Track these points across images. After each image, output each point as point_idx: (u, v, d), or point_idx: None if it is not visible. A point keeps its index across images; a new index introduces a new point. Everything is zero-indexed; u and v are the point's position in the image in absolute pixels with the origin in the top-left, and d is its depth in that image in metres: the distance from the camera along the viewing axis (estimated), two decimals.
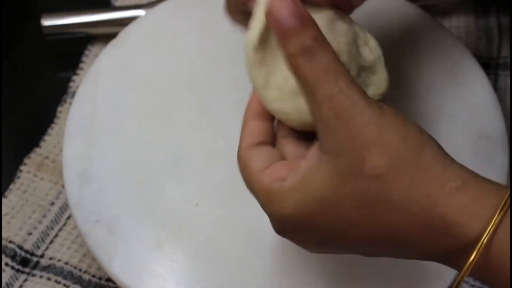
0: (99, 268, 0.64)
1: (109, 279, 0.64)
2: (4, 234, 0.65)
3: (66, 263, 0.64)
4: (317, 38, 0.44)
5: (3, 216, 0.66)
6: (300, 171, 0.46)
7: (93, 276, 0.64)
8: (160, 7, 0.70)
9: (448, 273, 0.58)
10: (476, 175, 0.44)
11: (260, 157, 0.48)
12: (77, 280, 0.64)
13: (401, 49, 0.67)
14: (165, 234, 0.60)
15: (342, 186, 0.44)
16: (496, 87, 0.71)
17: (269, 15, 0.45)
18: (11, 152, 0.70)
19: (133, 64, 0.67)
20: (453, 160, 0.44)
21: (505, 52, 0.73)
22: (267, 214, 0.48)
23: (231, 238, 0.60)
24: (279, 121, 0.51)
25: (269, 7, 0.45)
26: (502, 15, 0.75)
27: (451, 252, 0.44)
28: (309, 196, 0.45)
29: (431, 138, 0.45)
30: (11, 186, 0.68)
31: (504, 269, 0.42)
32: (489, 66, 0.72)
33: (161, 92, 0.66)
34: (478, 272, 0.43)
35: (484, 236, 0.42)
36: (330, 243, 0.47)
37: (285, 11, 0.44)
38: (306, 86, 0.45)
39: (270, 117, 0.51)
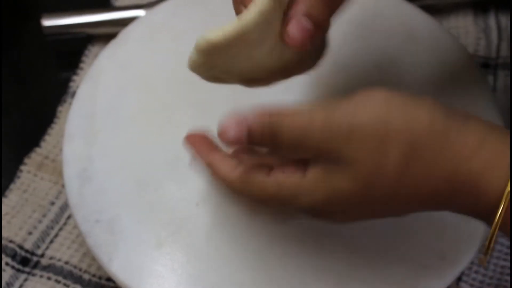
0: (99, 267, 0.64)
1: (109, 279, 0.64)
2: (4, 234, 0.65)
3: (66, 263, 0.64)
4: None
5: (3, 216, 0.66)
6: (318, 170, 0.48)
7: (93, 275, 0.64)
8: (160, 7, 0.70)
9: (449, 274, 0.58)
10: (491, 125, 0.47)
11: (261, 175, 0.50)
12: (77, 279, 0.64)
13: (400, 49, 0.67)
14: (165, 234, 0.60)
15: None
16: (495, 87, 0.71)
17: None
18: (11, 152, 0.70)
19: (133, 64, 0.67)
20: (466, 116, 0.47)
21: (504, 52, 0.73)
22: (303, 210, 0.51)
23: (231, 238, 0.60)
24: None
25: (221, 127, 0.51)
26: (501, 15, 0.75)
27: (480, 206, 0.46)
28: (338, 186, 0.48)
29: (431, 101, 0.47)
30: (11, 186, 0.67)
31: None
32: (489, 66, 0.72)
33: (161, 92, 0.66)
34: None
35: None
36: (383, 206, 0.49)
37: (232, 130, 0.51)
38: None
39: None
